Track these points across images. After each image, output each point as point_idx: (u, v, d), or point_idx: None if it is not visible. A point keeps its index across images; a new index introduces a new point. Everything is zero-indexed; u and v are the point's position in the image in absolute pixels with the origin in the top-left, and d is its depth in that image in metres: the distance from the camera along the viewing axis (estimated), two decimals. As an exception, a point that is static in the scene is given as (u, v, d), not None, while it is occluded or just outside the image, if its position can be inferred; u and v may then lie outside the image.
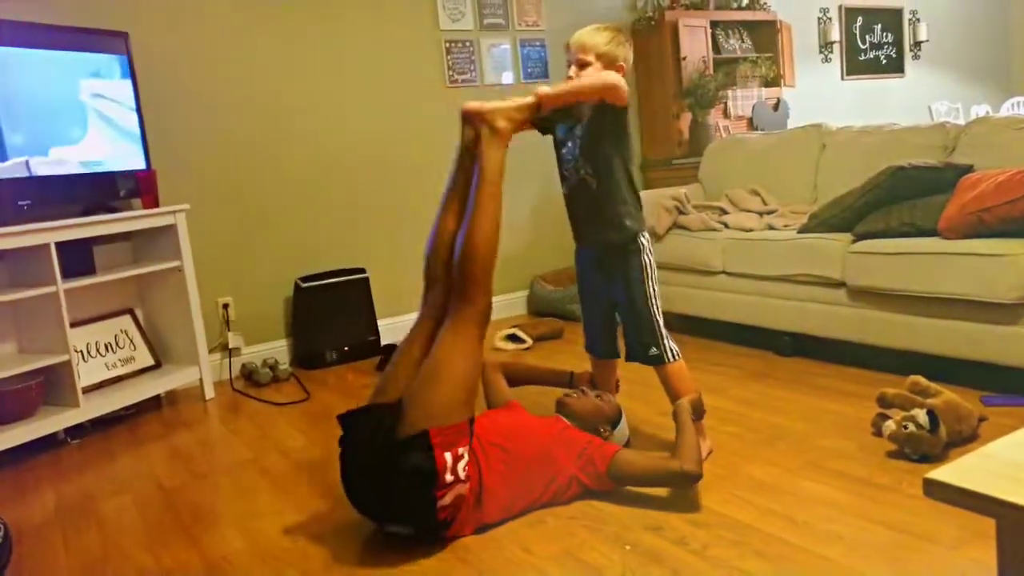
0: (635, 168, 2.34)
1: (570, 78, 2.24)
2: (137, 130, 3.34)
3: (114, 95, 3.25)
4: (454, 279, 2.04)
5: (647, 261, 2.30)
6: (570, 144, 2.34)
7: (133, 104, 3.31)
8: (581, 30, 2.26)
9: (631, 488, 2.08)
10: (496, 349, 3.83)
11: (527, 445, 2.04)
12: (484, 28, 4.52)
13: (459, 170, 2.20)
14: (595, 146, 2.26)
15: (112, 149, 3.23)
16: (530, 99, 2.14)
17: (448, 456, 1.82)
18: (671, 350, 2.29)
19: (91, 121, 3.15)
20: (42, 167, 2.95)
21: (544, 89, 2.15)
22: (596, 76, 2.17)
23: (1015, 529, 0.90)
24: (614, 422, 2.25)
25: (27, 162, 2.91)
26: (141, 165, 3.34)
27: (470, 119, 2.16)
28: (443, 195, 2.23)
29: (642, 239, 2.31)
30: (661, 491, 2.09)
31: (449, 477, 1.82)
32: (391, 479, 1.84)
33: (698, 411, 2.20)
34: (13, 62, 2.91)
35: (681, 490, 2.04)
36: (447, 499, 1.83)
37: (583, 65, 2.22)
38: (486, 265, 2.02)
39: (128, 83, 3.30)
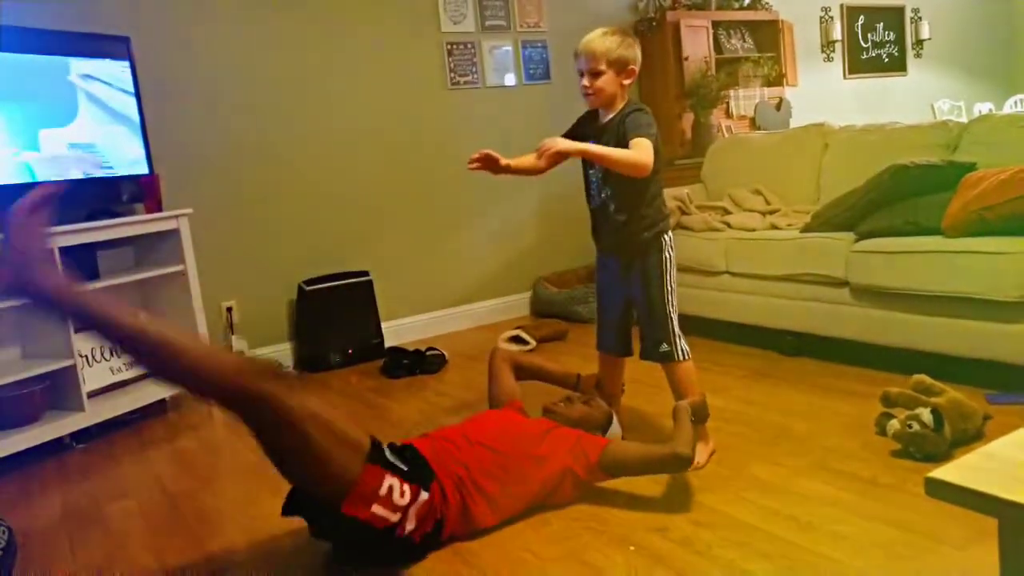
0: (662, 167, 2.32)
1: (584, 87, 2.24)
2: (136, 118, 3.33)
3: (105, 76, 3.21)
4: None
5: (667, 257, 2.31)
6: (598, 166, 2.33)
7: (130, 88, 3.30)
8: (588, 36, 2.24)
9: (634, 489, 2.08)
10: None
11: (517, 444, 2.03)
12: (485, 30, 4.52)
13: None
14: (619, 174, 2.24)
15: (102, 132, 3.20)
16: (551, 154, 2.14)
17: (376, 507, 1.73)
18: (682, 349, 2.30)
19: (81, 103, 3.12)
20: (41, 165, 2.95)
21: (567, 144, 2.13)
22: (627, 154, 2.12)
23: (1017, 528, 0.89)
24: (604, 427, 2.26)
25: (28, 164, 2.92)
26: (144, 170, 3.35)
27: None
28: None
29: (663, 236, 2.32)
30: (665, 491, 2.09)
31: (394, 516, 1.75)
32: (353, 545, 1.85)
33: (700, 414, 2.20)
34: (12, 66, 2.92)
35: (679, 494, 2.03)
36: (411, 524, 1.79)
37: (596, 74, 2.21)
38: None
39: (121, 64, 3.28)
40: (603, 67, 2.20)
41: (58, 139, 3.03)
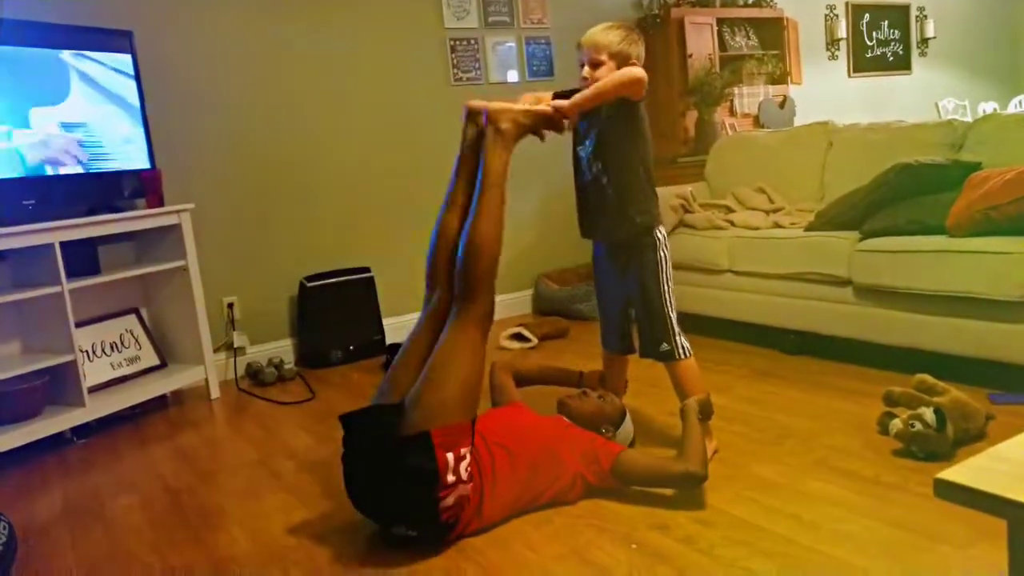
0: (652, 161, 2.32)
1: (584, 78, 2.23)
2: (138, 111, 3.32)
3: (96, 55, 3.19)
4: (456, 280, 2.03)
5: (662, 256, 2.29)
6: (587, 142, 2.32)
7: (125, 69, 3.28)
8: (592, 29, 2.24)
9: (636, 487, 2.08)
10: (501, 348, 3.82)
11: (531, 444, 2.04)
12: (489, 26, 4.51)
13: (461, 169, 2.19)
14: (610, 144, 2.25)
15: (96, 112, 3.18)
16: (543, 108, 2.12)
17: (450, 456, 1.81)
18: (683, 347, 2.29)
19: (73, 82, 3.10)
20: (32, 150, 2.94)
21: (561, 102, 2.12)
22: (615, 74, 2.15)
23: (1026, 530, 0.89)
24: (617, 422, 2.25)
25: (28, 161, 2.92)
26: (146, 165, 3.35)
27: (474, 117, 2.15)
28: (446, 194, 2.21)
29: (658, 234, 2.30)
30: (667, 490, 2.09)
31: (451, 477, 1.81)
32: (392, 479, 1.84)
33: (706, 411, 2.20)
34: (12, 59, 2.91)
35: (685, 491, 2.03)
36: (450, 500, 1.83)
37: (596, 65, 2.21)
38: (488, 266, 2.01)
39: (123, 57, 3.28)
40: (604, 58, 2.20)
41: (49, 118, 3.00)
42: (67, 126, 3.06)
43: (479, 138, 2.12)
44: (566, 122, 2.19)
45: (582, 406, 2.24)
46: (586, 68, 2.23)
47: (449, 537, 1.90)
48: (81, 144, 3.10)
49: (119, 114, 3.27)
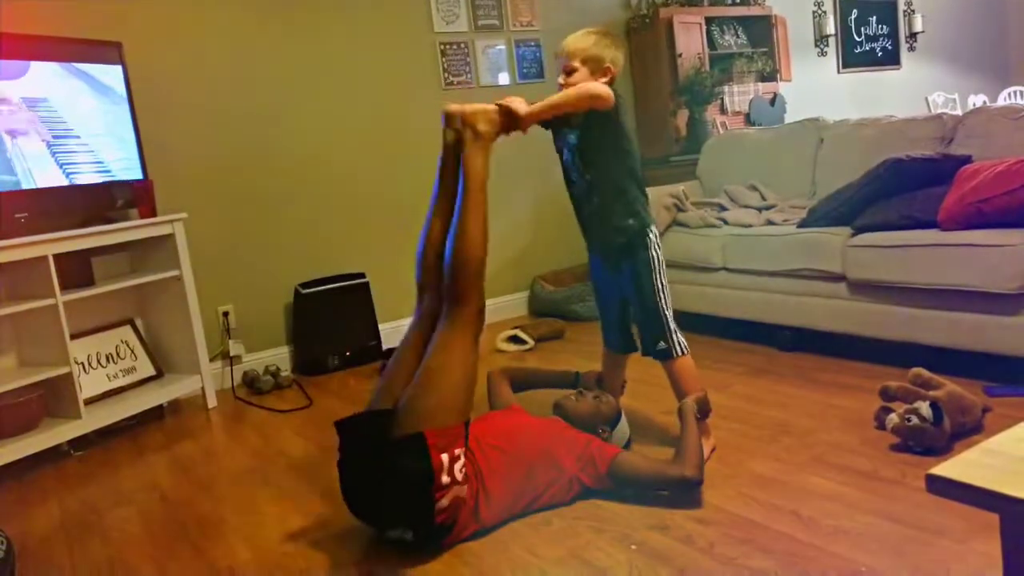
0: (638, 164, 2.33)
1: (559, 84, 2.24)
2: (129, 122, 3.31)
3: (87, 67, 3.15)
4: (445, 283, 2.03)
5: (655, 255, 2.30)
6: (566, 152, 2.34)
7: (119, 82, 3.28)
8: (571, 35, 2.26)
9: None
10: (498, 351, 3.82)
11: (527, 447, 2.04)
12: (479, 29, 4.51)
13: (444, 173, 2.19)
14: (590, 151, 2.26)
15: (84, 122, 3.16)
16: (515, 106, 2.10)
17: (444, 457, 1.82)
18: (679, 344, 2.30)
19: (60, 91, 3.07)
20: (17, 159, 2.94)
21: (519, 105, 2.10)
22: (573, 88, 2.15)
23: (1020, 524, 0.89)
24: (612, 422, 2.25)
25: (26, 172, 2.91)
26: (138, 175, 3.34)
27: (451, 121, 2.15)
28: (431, 199, 2.22)
29: (650, 234, 2.31)
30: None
31: (446, 479, 1.82)
32: (388, 482, 1.84)
33: (703, 410, 2.20)
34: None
35: (682, 494, 2.03)
36: (445, 501, 1.83)
37: (570, 72, 2.22)
38: (476, 268, 2.01)
39: (113, 68, 3.26)
40: (577, 64, 2.21)
41: (34, 126, 2.97)
42: (55, 136, 3.05)
43: (459, 142, 2.13)
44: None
45: (578, 407, 2.25)
46: (562, 75, 2.25)
47: (446, 540, 1.89)
48: (70, 154, 3.09)
49: (109, 125, 3.26)
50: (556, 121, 2.28)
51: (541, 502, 2.03)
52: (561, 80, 2.25)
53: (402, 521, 1.88)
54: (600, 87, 2.14)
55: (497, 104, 2.11)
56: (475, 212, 2.03)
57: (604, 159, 2.25)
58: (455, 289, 2.01)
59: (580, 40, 2.23)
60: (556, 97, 2.14)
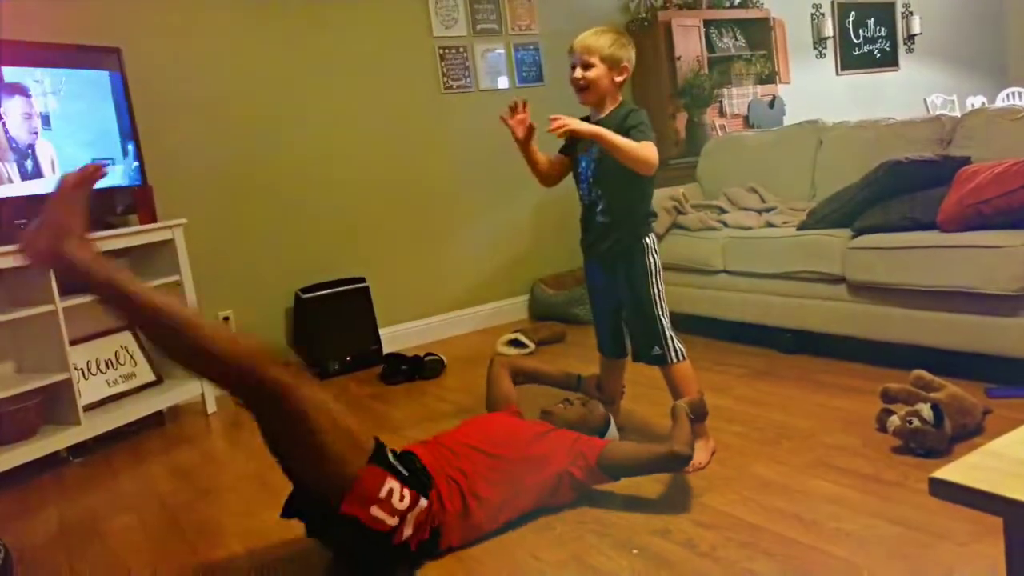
0: (653, 187, 2.37)
1: (575, 79, 2.26)
2: (128, 128, 3.31)
3: (86, 73, 3.15)
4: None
5: (651, 260, 2.30)
6: (584, 163, 2.34)
7: (118, 87, 3.28)
8: (584, 33, 2.28)
9: (636, 491, 2.07)
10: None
11: (514, 447, 2.02)
12: (478, 33, 4.52)
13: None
14: (608, 173, 2.27)
15: (83, 128, 3.18)
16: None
17: (375, 509, 1.72)
18: (676, 350, 2.29)
19: (60, 99, 3.06)
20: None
21: (576, 123, 2.10)
22: (632, 145, 2.12)
23: (1023, 526, 0.89)
24: (600, 431, 2.25)
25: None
26: (137, 181, 3.34)
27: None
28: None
29: (646, 239, 2.31)
30: (667, 492, 2.08)
31: (392, 520, 1.74)
32: (349, 547, 1.83)
33: (698, 412, 2.19)
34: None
35: (682, 495, 2.02)
36: (408, 530, 1.77)
37: (587, 66, 2.24)
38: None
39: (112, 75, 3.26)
40: (595, 61, 2.24)
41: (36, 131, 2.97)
42: (54, 142, 3.05)
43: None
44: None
45: (566, 414, 2.25)
46: (577, 70, 2.26)
47: (441, 548, 1.87)
48: (69, 160, 3.09)
49: (108, 131, 3.26)
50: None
51: (534, 500, 2.00)
52: (577, 74, 2.26)
53: (384, 568, 1.84)
54: (655, 157, 2.15)
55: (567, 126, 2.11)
56: None
57: (619, 182, 2.27)
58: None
59: (599, 38, 2.25)
60: (613, 139, 2.12)
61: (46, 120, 3.01)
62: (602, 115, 2.30)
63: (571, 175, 2.47)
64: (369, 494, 1.72)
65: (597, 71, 2.24)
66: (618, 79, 2.28)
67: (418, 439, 2.18)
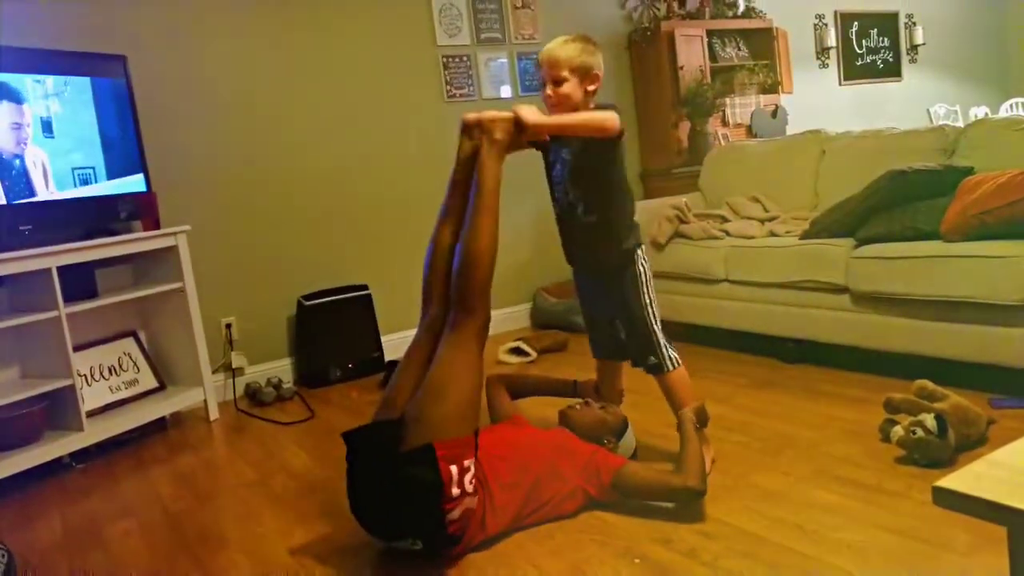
0: (628, 180, 2.34)
1: (548, 96, 2.21)
2: (133, 135, 3.33)
3: (90, 80, 3.16)
4: (452, 293, 2.03)
5: (641, 270, 2.29)
6: (558, 166, 2.32)
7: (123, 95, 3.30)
8: (548, 45, 2.23)
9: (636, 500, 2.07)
10: (500, 363, 3.82)
11: (532, 458, 2.03)
12: (481, 42, 4.54)
13: (456, 183, 2.19)
14: (584, 172, 2.25)
15: (88, 135, 3.18)
16: (510, 114, 2.09)
17: (454, 469, 1.81)
18: (671, 358, 2.28)
19: (65, 105, 3.08)
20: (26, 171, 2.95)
21: (529, 115, 2.07)
22: (586, 114, 2.14)
23: (1027, 536, 0.88)
24: (619, 433, 2.24)
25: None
26: (141, 188, 3.35)
27: (469, 129, 2.15)
28: (440, 209, 2.22)
29: (637, 249, 2.30)
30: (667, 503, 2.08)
31: (456, 490, 1.81)
32: (398, 494, 1.83)
33: (702, 419, 2.19)
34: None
35: (684, 505, 2.02)
36: (456, 513, 1.82)
37: (559, 81, 2.18)
38: (484, 277, 2.01)
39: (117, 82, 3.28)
40: (566, 74, 2.17)
41: (41, 140, 2.97)
42: (58, 149, 3.07)
43: (474, 151, 2.12)
44: (546, 135, 2.20)
45: (584, 416, 2.23)
46: (548, 87, 2.21)
47: (454, 551, 1.88)
48: (73, 167, 3.11)
49: (112, 138, 3.27)
50: (554, 137, 2.27)
51: (545, 513, 2.02)
52: (549, 92, 2.21)
53: (413, 532, 1.87)
54: (613, 118, 2.12)
55: (512, 110, 2.10)
56: (486, 221, 2.02)
57: (597, 181, 2.24)
58: (462, 299, 2.00)
59: (565, 49, 2.19)
60: (567, 118, 2.14)
61: (48, 126, 3.03)
62: None
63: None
64: (459, 456, 1.83)
65: (569, 85, 2.17)
66: (590, 88, 2.21)
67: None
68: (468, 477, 1.84)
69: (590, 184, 2.25)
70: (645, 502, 2.05)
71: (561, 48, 2.19)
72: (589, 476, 2.04)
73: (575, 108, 2.21)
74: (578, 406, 2.28)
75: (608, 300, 2.36)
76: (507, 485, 1.96)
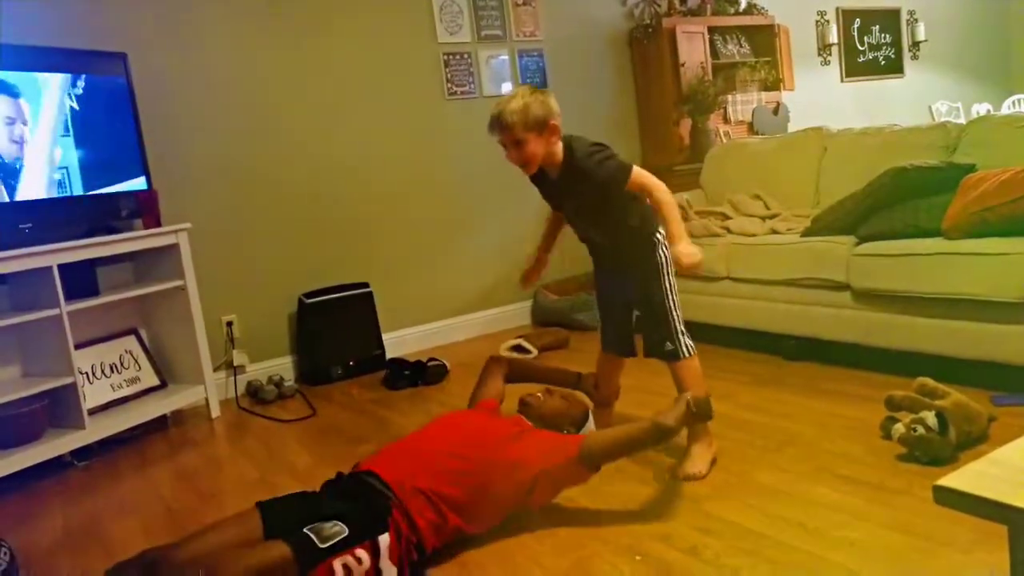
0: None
1: (513, 157, 2.18)
2: (133, 133, 3.33)
3: (92, 78, 3.20)
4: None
5: (663, 256, 2.30)
6: (567, 209, 2.40)
7: (123, 93, 3.30)
8: (495, 110, 2.15)
9: (639, 496, 2.07)
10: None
11: (483, 449, 1.96)
12: (482, 40, 4.53)
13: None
14: (593, 211, 2.31)
15: (90, 132, 3.19)
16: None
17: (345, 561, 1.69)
18: (686, 346, 2.30)
19: (66, 103, 3.11)
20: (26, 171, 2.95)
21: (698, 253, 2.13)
22: (666, 208, 2.16)
23: (1028, 534, 0.88)
24: (579, 423, 2.23)
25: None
26: (142, 186, 3.35)
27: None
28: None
29: (658, 236, 2.32)
30: (670, 499, 2.08)
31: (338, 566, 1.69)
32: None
33: (704, 411, 2.12)
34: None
35: (657, 445, 2.01)
36: (391, 570, 1.75)
37: (520, 144, 2.14)
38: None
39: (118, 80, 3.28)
40: (521, 135, 2.12)
41: (41, 138, 2.98)
42: (60, 147, 3.07)
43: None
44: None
45: (543, 405, 2.21)
46: (511, 151, 2.17)
47: (428, 555, 1.85)
48: (74, 165, 3.11)
49: (113, 136, 3.27)
50: (561, 185, 2.27)
51: (516, 504, 1.95)
52: (514, 156, 2.16)
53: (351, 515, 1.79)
54: (653, 179, 2.20)
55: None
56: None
57: (606, 217, 2.31)
58: None
59: (514, 109, 2.10)
60: (677, 228, 2.15)
61: (48, 124, 3.03)
62: (558, 172, 2.23)
63: None
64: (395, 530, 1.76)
65: (531, 145, 2.13)
66: (552, 138, 2.16)
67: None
68: (354, 566, 1.69)
69: (600, 219, 2.32)
70: (645, 501, 2.05)
71: (510, 113, 2.10)
72: (550, 457, 1.95)
73: (544, 161, 2.19)
74: (540, 395, 2.25)
75: (628, 286, 2.37)
76: (456, 481, 1.87)
